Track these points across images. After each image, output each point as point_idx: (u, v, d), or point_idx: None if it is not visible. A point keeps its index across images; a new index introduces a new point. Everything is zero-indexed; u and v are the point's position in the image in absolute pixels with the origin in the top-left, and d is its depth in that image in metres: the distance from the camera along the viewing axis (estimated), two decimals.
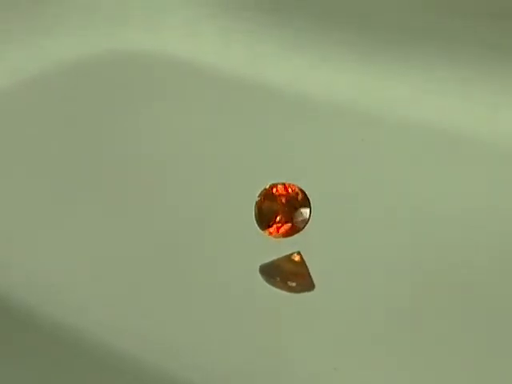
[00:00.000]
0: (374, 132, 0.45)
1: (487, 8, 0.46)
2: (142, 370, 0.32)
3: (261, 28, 0.53)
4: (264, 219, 0.35)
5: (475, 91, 0.46)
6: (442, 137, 0.45)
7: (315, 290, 0.34)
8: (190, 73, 0.52)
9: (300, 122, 0.46)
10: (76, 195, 0.41)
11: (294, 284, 0.34)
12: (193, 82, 0.51)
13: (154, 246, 0.37)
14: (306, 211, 0.35)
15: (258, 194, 0.35)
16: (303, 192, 0.35)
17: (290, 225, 0.35)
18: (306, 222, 0.35)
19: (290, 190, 0.35)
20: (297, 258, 0.34)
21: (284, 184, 0.35)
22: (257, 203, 0.35)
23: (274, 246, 0.35)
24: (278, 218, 0.35)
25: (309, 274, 0.34)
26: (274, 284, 0.34)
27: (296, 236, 0.35)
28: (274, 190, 0.35)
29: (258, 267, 0.35)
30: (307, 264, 0.34)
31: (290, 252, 0.35)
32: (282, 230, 0.35)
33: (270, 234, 0.35)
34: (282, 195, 0.35)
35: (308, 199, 0.35)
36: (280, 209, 0.35)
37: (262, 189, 0.35)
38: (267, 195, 0.35)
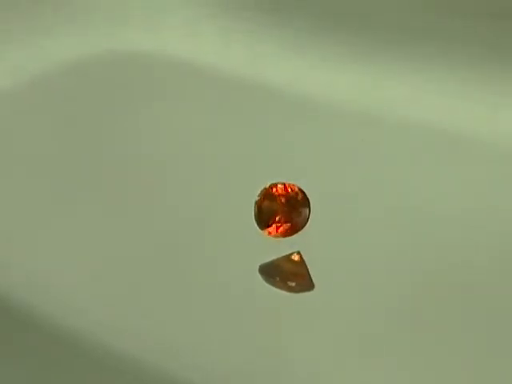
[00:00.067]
0: (374, 132, 0.45)
1: (487, 8, 0.46)
2: (141, 370, 0.32)
3: (261, 28, 0.53)
4: (263, 219, 0.35)
5: (475, 91, 0.46)
6: (442, 137, 0.45)
7: (315, 289, 0.34)
8: (189, 73, 0.52)
9: (300, 122, 0.46)
10: (76, 195, 0.41)
11: (293, 284, 0.34)
12: (193, 82, 0.51)
13: (154, 245, 0.37)
14: (305, 211, 0.35)
15: (257, 194, 0.35)
16: (303, 192, 0.35)
17: (289, 225, 0.35)
18: (305, 222, 0.35)
19: (289, 190, 0.35)
20: (296, 257, 0.34)
21: (284, 184, 0.35)
22: (256, 203, 0.35)
23: (274, 246, 0.35)
24: (277, 218, 0.35)
25: (308, 273, 0.34)
26: (273, 284, 0.34)
27: (296, 236, 0.35)
28: (274, 189, 0.35)
29: (258, 267, 0.35)
30: (307, 264, 0.34)
31: (289, 252, 0.35)
32: (282, 229, 0.35)
33: (270, 233, 0.35)
34: (282, 195, 0.35)
35: (307, 199, 0.35)
36: (279, 209, 0.35)
37: (262, 188, 0.35)
38: (267, 195, 0.35)
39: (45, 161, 0.44)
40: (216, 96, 0.50)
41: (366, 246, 0.37)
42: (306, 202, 0.35)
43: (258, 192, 0.35)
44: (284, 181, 0.35)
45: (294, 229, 0.35)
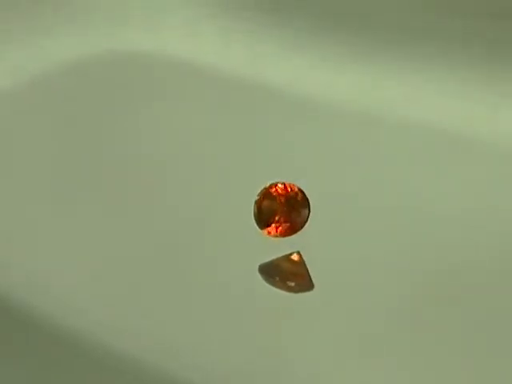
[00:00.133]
0: (374, 132, 0.45)
1: (487, 8, 0.46)
2: (141, 370, 0.32)
3: (261, 28, 0.53)
4: (263, 218, 0.35)
5: (475, 91, 0.46)
6: (442, 137, 0.45)
7: (315, 289, 0.34)
8: (189, 73, 0.52)
9: (300, 122, 0.46)
10: (76, 195, 0.41)
11: (292, 284, 0.34)
12: (193, 82, 0.51)
13: (154, 245, 0.37)
14: (304, 211, 0.35)
15: (257, 194, 0.35)
16: (302, 192, 0.35)
17: (288, 224, 0.35)
18: (304, 222, 0.35)
19: (289, 190, 0.35)
20: (296, 257, 0.34)
21: (284, 184, 0.35)
22: (256, 202, 0.35)
23: (274, 246, 0.35)
24: (276, 218, 0.35)
25: (308, 273, 0.34)
26: (273, 284, 0.34)
27: (296, 236, 0.35)
28: (274, 189, 0.35)
29: (258, 267, 0.35)
30: (306, 264, 0.34)
31: (289, 252, 0.35)
32: (281, 229, 0.35)
33: (269, 233, 0.35)
34: (282, 195, 0.35)
35: (307, 199, 0.35)
36: (279, 208, 0.35)
37: (262, 188, 0.35)
38: (266, 194, 0.35)
39: (45, 161, 0.44)
40: (216, 96, 0.50)
41: (366, 246, 0.37)
42: (305, 202, 0.35)
43: (258, 192, 0.35)
44: (284, 181, 0.35)
45: (294, 229, 0.35)
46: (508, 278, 0.35)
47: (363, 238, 0.37)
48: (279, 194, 0.35)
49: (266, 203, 0.35)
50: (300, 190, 0.35)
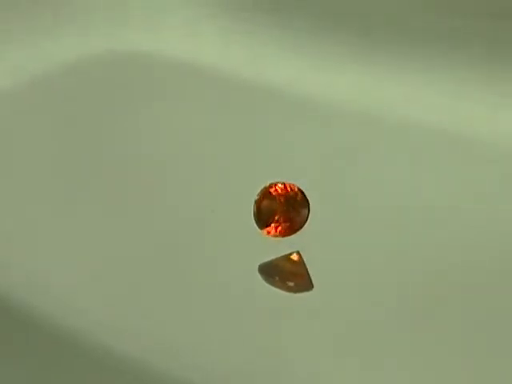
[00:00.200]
0: (374, 132, 0.45)
1: (487, 8, 0.46)
2: (141, 370, 0.32)
3: (261, 28, 0.53)
4: (262, 218, 0.35)
5: (475, 91, 0.46)
6: (442, 137, 0.45)
7: (315, 289, 0.34)
8: (189, 73, 0.52)
9: (300, 122, 0.46)
10: (76, 195, 0.41)
11: (292, 284, 0.34)
12: (193, 82, 0.51)
13: (154, 245, 0.37)
14: (304, 211, 0.35)
15: (257, 193, 0.35)
16: (302, 192, 0.35)
17: (288, 224, 0.35)
18: (303, 222, 0.35)
19: (289, 190, 0.35)
20: (296, 257, 0.34)
21: (284, 183, 0.35)
22: (256, 202, 0.35)
23: (274, 246, 0.35)
24: (276, 218, 0.35)
25: (307, 274, 0.34)
26: (272, 283, 0.34)
27: (295, 236, 0.35)
28: (274, 189, 0.35)
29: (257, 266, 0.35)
30: (306, 264, 0.34)
31: (288, 252, 0.35)
32: (280, 229, 0.35)
33: (268, 233, 0.35)
34: (281, 195, 0.35)
35: (307, 199, 0.35)
36: (279, 208, 0.35)
37: (262, 188, 0.35)
38: (266, 194, 0.35)
39: (45, 161, 0.44)
40: (216, 96, 0.50)
41: (366, 246, 0.37)
42: (305, 202, 0.35)
43: (258, 192, 0.35)
44: (284, 181, 0.35)
45: (293, 229, 0.35)
46: (508, 278, 0.35)
47: (363, 237, 0.37)
48: (279, 194, 0.35)
49: (265, 203, 0.35)
50: (300, 189, 0.35)
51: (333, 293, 0.34)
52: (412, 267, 0.36)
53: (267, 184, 0.35)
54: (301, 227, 0.35)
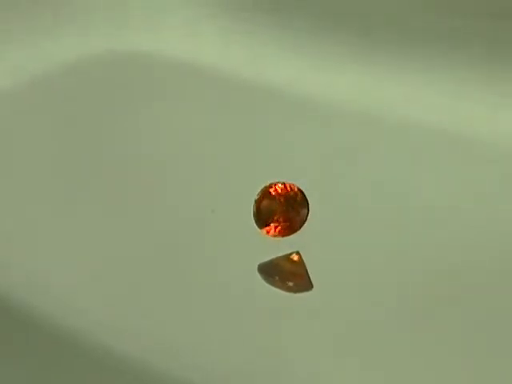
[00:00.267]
0: (374, 132, 0.45)
1: (487, 8, 0.46)
2: (141, 370, 0.32)
3: (261, 28, 0.53)
4: (262, 218, 0.35)
5: (475, 91, 0.46)
6: (442, 137, 0.45)
7: (315, 289, 0.34)
8: (189, 73, 0.52)
9: (300, 122, 0.46)
10: (76, 195, 0.41)
11: (291, 284, 0.34)
12: (193, 82, 0.51)
13: (154, 245, 0.37)
14: (303, 211, 0.35)
15: (257, 193, 0.35)
16: (302, 192, 0.35)
17: (287, 224, 0.35)
18: (303, 222, 0.35)
19: (289, 190, 0.35)
20: (296, 257, 0.34)
21: (284, 183, 0.35)
22: (255, 202, 0.35)
23: (273, 246, 0.35)
24: (275, 218, 0.35)
25: (307, 274, 0.34)
26: (272, 283, 0.34)
27: (295, 236, 0.35)
28: (273, 189, 0.35)
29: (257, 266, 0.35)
30: (306, 264, 0.34)
31: (288, 251, 0.35)
32: (280, 229, 0.35)
33: (268, 232, 0.35)
34: (281, 195, 0.35)
35: (306, 200, 0.35)
36: (278, 208, 0.35)
37: (262, 188, 0.35)
38: (266, 194, 0.35)
39: (45, 161, 0.44)
40: (216, 96, 0.50)
41: (366, 246, 0.37)
42: (304, 202, 0.35)
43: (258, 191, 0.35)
44: (284, 180, 0.35)
45: (292, 229, 0.35)
46: (508, 278, 0.35)
47: (363, 237, 0.37)
48: (278, 194, 0.35)
49: (265, 203, 0.35)
50: (300, 189, 0.35)
51: (333, 293, 0.34)
52: (412, 267, 0.36)
53: (267, 184, 0.35)
54: (300, 227, 0.35)
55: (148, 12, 0.56)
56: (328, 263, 0.35)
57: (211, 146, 0.44)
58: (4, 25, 0.52)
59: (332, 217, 0.38)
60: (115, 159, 0.44)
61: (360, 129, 0.46)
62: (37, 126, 0.47)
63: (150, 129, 0.47)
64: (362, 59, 0.50)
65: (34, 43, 0.53)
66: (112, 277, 0.36)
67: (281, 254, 0.35)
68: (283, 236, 0.35)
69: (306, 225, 0.35)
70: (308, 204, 0.35)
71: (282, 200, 0.35)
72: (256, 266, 0.35)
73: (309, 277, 0.34)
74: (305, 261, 0.35)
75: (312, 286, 0.34)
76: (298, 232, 0.35)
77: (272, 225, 0.35)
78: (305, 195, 0.35)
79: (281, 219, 0.35)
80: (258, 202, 0.35)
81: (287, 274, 0.34)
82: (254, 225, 0.35)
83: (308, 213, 0.35)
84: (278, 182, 0.35)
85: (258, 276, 0.34)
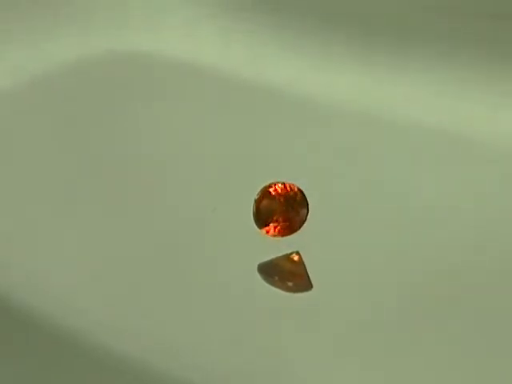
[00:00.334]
0: (374, 132, 0.45)
1: (487, 8, 0.46)
2: (141, 371, 0.32)
3: (261, 28, 0.53)
4: (262, 218, 0.35)
5: (475, 91, 0.46)
6: (442, 137, 0.45)
7: (315, 289, 0.34)
8: (189, 73, 0.52)
9: (300, 122, 0.46)
10: (76, 195, 0.41)
11: (291, 284, 0.34)
12: (193, 82, 0.51)
13: (154, 245, 0.37)
14: (303, 211, 0.35)
15: (257, 193, 0.35)
16: (302, 192, 0.35)
17: (287, 224, 0.35)
18: (302, 222, 0.35)
19: (289, 190, 0.35)
20: (296, 257, 0.34)
21: (284, 183, 0.35)
22: (255, 202, 0.35)
23: (273, 246, 0.35)
24: (275, 218, 0.35)
25: (307, 274, 0.34)
26: (272, 283, 0.34)
27: (294, 236, 0.35)
28: (273, 189, 0.35)
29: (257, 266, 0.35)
30: (305, 264, 0.34)
31: (288, 251, 0.35)
32: (279, 229, 0.35)
33: (267, 232, 0.35)
34: (281, 195, 0.35)
35: (306, 200, 0.35)
36: (278, 208, 0.35)
37: (262, 187, 0.35)
38: (266, 194, 0.35)
39: (45, 161, 0.44)
40: (216, 96, 0.50)
41: (366, 246, 0.37)
42: (304, 202, 0.35)
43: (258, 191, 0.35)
44: (284, 180, 0.35)
45: (292, 229, 0.35)
46: (508, 278, 0.35)
47: (362, 237, 0.37)
48: (278, 194, 0.35)
49: (264, 203, 0.35)
50: (299, 189, 0.35)
51: (332, 293, 0.34)
52: (412, 267, 0.36)
53: (267, 184, 0.35)
54: (300, 227, 0.35)
55: (148, 12, 0.56)
56: (328, 263, 0.35)
57: (211, 145, 0.44)
58: (4, 25, 0.52)
59: (332, 217, 0.38)
60: (115, 159, 0.44)
61: (360, 129, 0.46)
62: (37, 126, 0.47)
63: (149, 129, 0.47)
64: (362, 59, 0.50)
65: (33, 43, 0.53)
66: (112, 277, 0.36)
67: (281, 253, 0.35)
68: (283, 236, 0.35)
69: (305, 225, 0.35)
70: (308, 204, 0.35)
71: (281, 200, 0.35)
72: (256, 266, 0.35)
73: (308, 277, 0.34)
74: (304, 261, 0.35)
75: (312, 286, 0.34)
76: (298, 232, 0.35)
77: (272, 225, 0.35)
78: (305, 195, 0.35)
79: (280, 219, 0.35)
80: (257, 202, 0.35)
81: (287, 274, 0.34)
82: (254, 225, 0.35)
83: (308, 213, 0.35)
84: (278, 182, 0.35)
85: (258, 276, 0.34)
